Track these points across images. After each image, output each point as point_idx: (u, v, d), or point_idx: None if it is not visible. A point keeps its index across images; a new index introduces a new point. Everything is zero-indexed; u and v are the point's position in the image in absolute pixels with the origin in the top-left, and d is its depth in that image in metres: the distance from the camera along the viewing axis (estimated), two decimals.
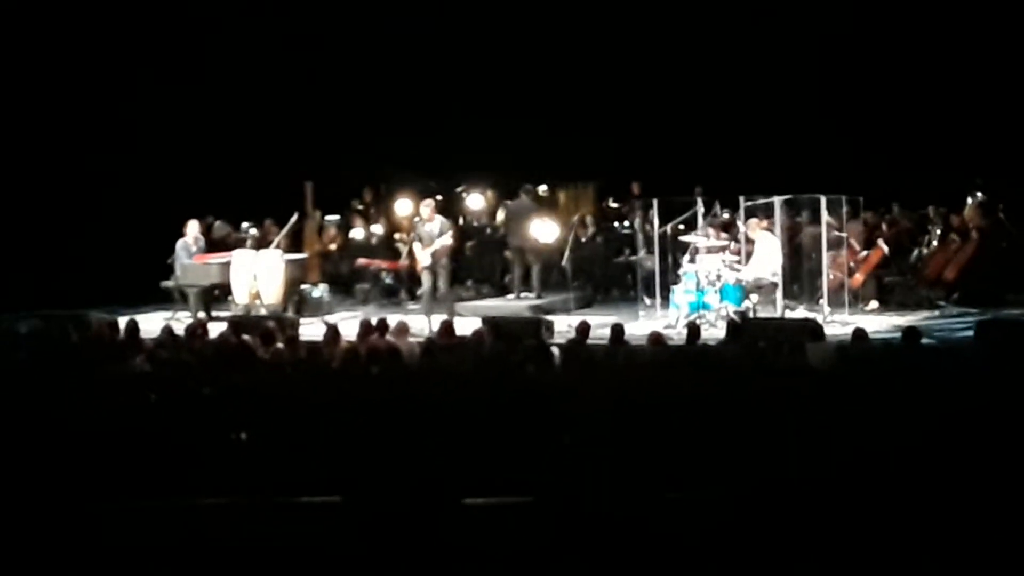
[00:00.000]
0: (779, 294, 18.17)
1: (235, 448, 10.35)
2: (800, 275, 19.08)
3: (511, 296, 20.69)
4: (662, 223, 19.26)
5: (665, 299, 18.67)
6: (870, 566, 8.18)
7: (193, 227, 20.01)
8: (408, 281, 21.07)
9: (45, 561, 8.63)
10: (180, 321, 18.08)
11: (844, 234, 18.86)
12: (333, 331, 14.26)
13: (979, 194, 20.13)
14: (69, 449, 9.88)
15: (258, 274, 19.22)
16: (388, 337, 14.05)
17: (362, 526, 8.62)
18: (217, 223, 21.84)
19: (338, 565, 8.52)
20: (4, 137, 21.76)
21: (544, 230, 20.34)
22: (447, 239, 18.98)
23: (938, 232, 19.99)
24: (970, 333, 15.45)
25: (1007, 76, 21.44)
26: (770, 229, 18.39)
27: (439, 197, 21.77)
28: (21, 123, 21.91)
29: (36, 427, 10.31)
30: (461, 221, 22.72)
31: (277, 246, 19.92)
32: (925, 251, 19.98)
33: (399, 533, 8.52)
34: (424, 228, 19.06)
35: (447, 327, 14.81)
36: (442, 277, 18.94)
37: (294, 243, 21.09)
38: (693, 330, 14.87)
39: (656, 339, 13.83)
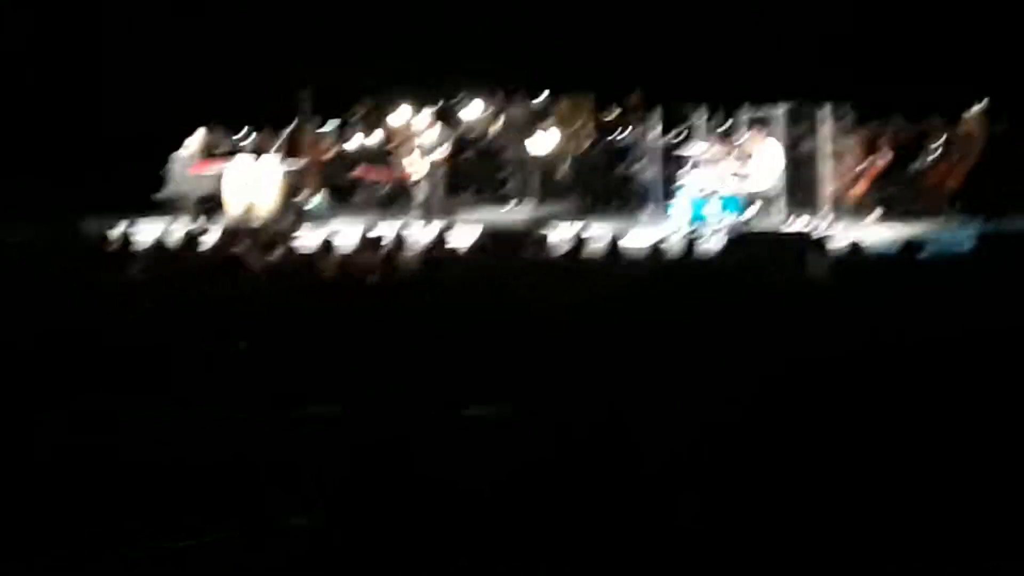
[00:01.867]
0: (781, 205, 18.07)
1: (233, 359, 10.29)
2: (801, 185, 18.98)
3: (510, 206, 20.61)
4: (662, 133, 19.14)
5: (664, 210, 18.57)
6: (863, 489, 8.15)
7: (194, 138, 19.86)
8: (406, 190, 20.96)
9: (41, 465, 8.63)
10: (175, 232, 17.99)
11: (846, 144, 18.76)
12: (326, 243, 14.16)
13: (983, 102, 19.99)
14: (63, 360, 9.82)
15: (254, 183, 19.11)
16: (385, 248, 13.97)
17: (360, 437, 8.60)
18: (213, 131, 21.71)
19: (337, 476, 8.50)
20: None
21: (543, 140, 20.23)
22: (444, 149, 18.84)
23: (941, 140, 19.86)
24: (972, 245, 15.36)
25: None
26: (772, 137, 18.27)
27: (437, 105, 21.61)
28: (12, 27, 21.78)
29: (30, 338, 10.26)
30: (459, 130, 22.57)
31: (275, 154, 19.80)
32: (928, 160, 19.86)
33: (397, 443, 8.50)
34: (421, 137, 18.92)
35: (442, 238, 14.73)
36: (438, 187, 18.81)
37: (291, 152, 20.96)
38: (692, 242, 14.78)
39: (656, 251, 13.74)
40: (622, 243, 14.26)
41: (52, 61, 22.01)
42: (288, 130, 20.31)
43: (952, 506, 8.00)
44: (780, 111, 18.39)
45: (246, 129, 21.56)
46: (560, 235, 16.66)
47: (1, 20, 21.68)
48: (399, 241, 14.36)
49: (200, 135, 20.64)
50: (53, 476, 8.63)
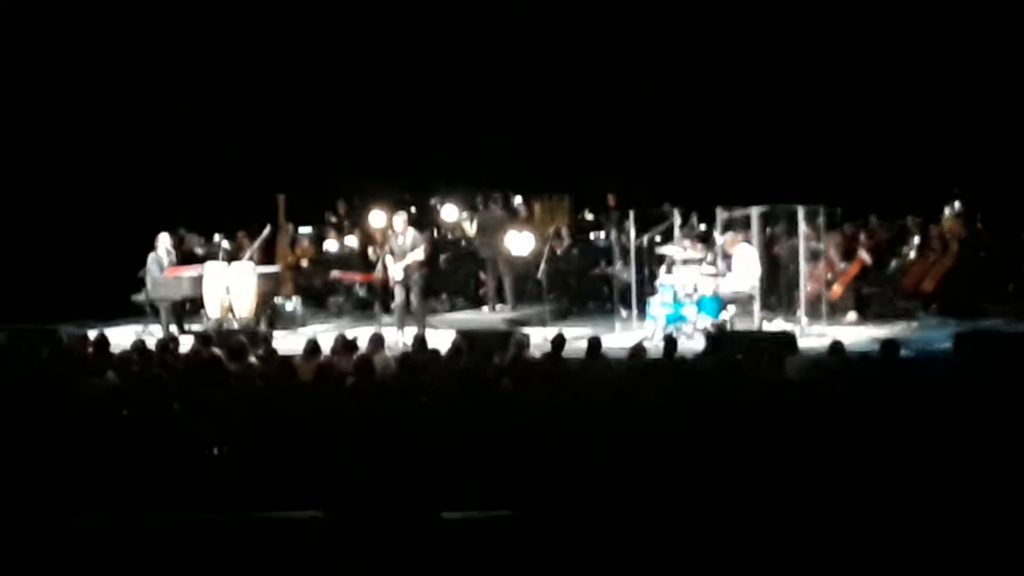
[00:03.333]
0: (756, 306, 18.10)
1: (208, 463, 10.22)
2: (778, 287, 19.04)
3: (486, 308, 20.61)
4: (638, 235, 19.19)
5: (642, 311, 18.59)
6: None
7: (164, 240, 19.83)
8: (382, 294, 20.94)
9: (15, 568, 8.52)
10: (152, 335, 17.92)
11: (821, 245, 18.84)
12: (312, 345, 14.08)
13: (957, 204, 20.12)
14: (39, 465, 9.73)
15: (230, 287, 19.06)
16: (363, 351, 13.92)
17: (341, 541, 8.51)
18: (188, 236, 21.71)
19: None
20: None
21: (519, 242, 20.26)
22: (419, 253, 18.86)
23: (916, 243, 19.97)
24: (948, 344, 15.40)
25: (984, 85, 21.43)
26: (748, 240, 18.33)
27: (413, 209, 21.63)
28: None
29: (5, 443, 10.17)
30: (435, 233, 22.61)
31: (250, 259, 19.78)
32: (903, 262, 19.94)
33: (378, 547, 8.42)
34: (396, 241, 18.95)
35: (420, 341, 14.74)
36: (415, 290, 18.82)
37: (267, 256, 20.96)
38: (670, 342, 14.75)
39: (636, 352, 13.71)
40: (601, 344, 14.24)
41: (30, 166, 22.04)
42: (265, 233, 20.30)
43: None
44: (756, 212, 18.48)
45: (223, 232, 21.56)
46: (538, 337, 16.66)
47: None
48: (375, 344, 14.32)
49: (178, 238, 20.57)
50: None
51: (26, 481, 9.47)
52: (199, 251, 21.39)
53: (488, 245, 20.49)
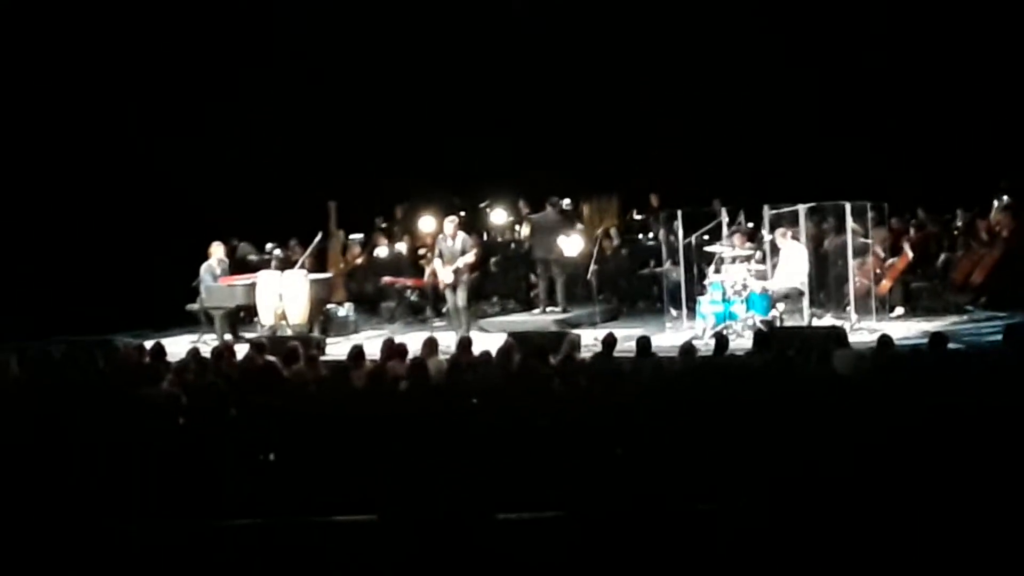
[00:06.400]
0: (806, 302, 18.11)
1: (263, 469, 10.34)
2: (827, 283, 19.03)
3: (537, 311, 20.68)
4: (686, 234, 19.24)
5: (691, 310, 18.63)
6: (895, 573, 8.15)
7: (217, 249, 20.03)
8: (434, 298, 21.06)
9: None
10: (207, 344, 18.08)
11: (869, 241, 18.81)
12: (358, 352, 14.16)
13: (1005, 197, 20.04)
14: (98, 474, 9.87)
15: (283, 295, 19.22)
16: (416, 354, 14.00)
17: (396, 544, 8.61)
18: (241, 245, 21.88)
19: None
20: (31, 165, 21.87)
21: (570, 243, 20.32)
22: (469, 256, 18.96)
23: (965, 236, 19.91)
24: (998, 337, 15.35)
25: None
26: (796, 237, 18.34)
27: (463, 213, 21.73)
28: (47, 149, 22.00)
29: (66, 452, 10.31)
30: (485, 237, 22.71)
31: (302, 266, 19.93)
32: (952, 256, 19.90)
33: (433, 550, 8.51)
34: (446, 245, 19.05)
35: (464, 344, 14.79)
36: (462, 292, 18.90)
37: (318, 263, 21.10)
38: (721, 341, 14.80)
39: (687, 351, 13.76)
40: (652, 344, 14.30)
41: (84, 176, 22.24)
42: (316, 240, 20.44)
43: None
44: (803, 209, 18.48)
45: (275, 241, 21.70)
46: (588, 338, 16.72)
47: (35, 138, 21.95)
48: (428, 348, 14.41)
49: (231, 247, 20.69)
50: None
51: (85, 489, 9.61)
52: (252, 260, 21.56)
53: (541, 247, 20.55)
